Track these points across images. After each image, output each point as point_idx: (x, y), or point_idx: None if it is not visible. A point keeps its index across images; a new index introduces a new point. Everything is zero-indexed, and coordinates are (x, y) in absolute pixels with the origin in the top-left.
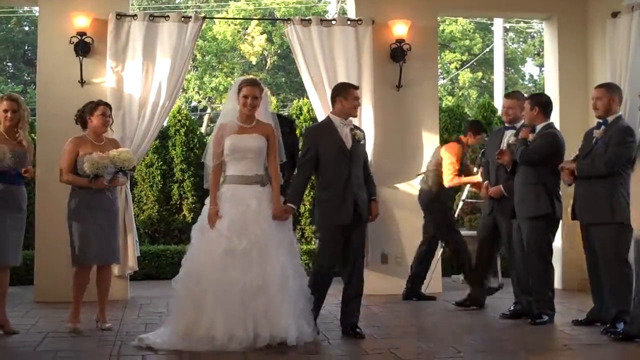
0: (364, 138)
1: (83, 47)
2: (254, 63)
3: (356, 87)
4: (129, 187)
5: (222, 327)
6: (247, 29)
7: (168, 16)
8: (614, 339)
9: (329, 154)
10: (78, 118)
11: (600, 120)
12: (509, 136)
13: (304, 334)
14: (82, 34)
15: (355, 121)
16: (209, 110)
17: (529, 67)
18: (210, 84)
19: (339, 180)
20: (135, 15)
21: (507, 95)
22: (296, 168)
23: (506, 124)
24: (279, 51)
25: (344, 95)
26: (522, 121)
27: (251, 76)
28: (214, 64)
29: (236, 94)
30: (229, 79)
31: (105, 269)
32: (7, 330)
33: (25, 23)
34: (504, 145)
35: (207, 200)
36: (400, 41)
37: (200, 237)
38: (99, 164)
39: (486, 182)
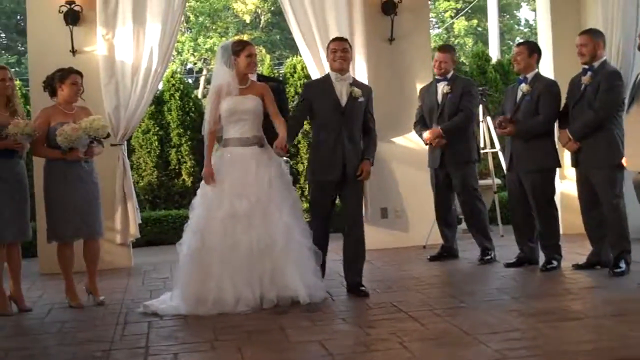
0: (365, 95)
1: (72, 16)
2: (247, 22)
3: (335, 39)
4: (126, 154)
5: (231, 290)
6: None
7: None
8: None
9: (322, 110)
10: (47, 86)
11: (586, 66)
12: (442, 87)
13: (317, 291)
14: (70, 2)
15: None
16: (204, 72)
17: (525, 12)
18: (204, 45)
19: (330, 137)
20: None
21: (441, 49)
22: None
23: (437, 77)
24: (272, 8)
25: (328, 50)
26: (452, 72)
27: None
28: (207, 25)
29: (231, 56)
30: (223, 38)
31: (90, 242)
32: (21, 307)
33: None
34: (439, 97)
35: None
36: None
37: (201, 202)
38: (72, 136)
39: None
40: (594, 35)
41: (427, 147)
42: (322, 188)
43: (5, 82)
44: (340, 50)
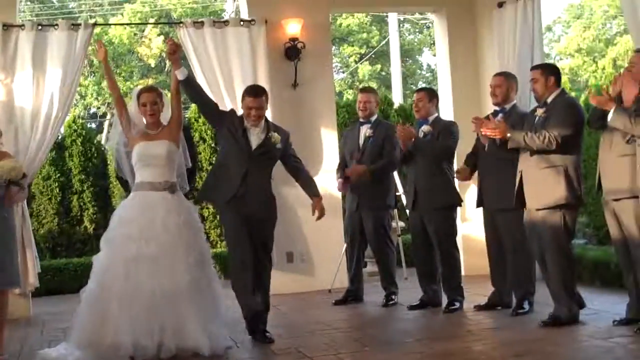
0: (282, 141)
1: None
2: (153, 65)
3: (251, 94)
4: (25, 201)
5: (128, 335)
6: (144, 31)
7: (57, 25)
8: (544, 325)
9: (230, 151)
10: None
11: (498, 108)
12: (364, 130)
13: (220, 342)
14: None
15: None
16: (108, 116)
17: (427, 58)
18: (109, 89)
19: (235, 176)
20: (23, 25)
21: (362, 90)
22: None
23: (361, 119)
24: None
25: (243, 102)
26: (376, 115)
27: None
28: (112, 68)
29: (136, 104)
30: (128, 82)
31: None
32: None
33: None
34: (361, 140)
35: (116, 210)
36: (294, 40)
37: (105, 246)
38: None
39: (339, 179)
40: (508, 78)
41: (340, 191)
42: (237, 223)
43: None
44: (255, 108)
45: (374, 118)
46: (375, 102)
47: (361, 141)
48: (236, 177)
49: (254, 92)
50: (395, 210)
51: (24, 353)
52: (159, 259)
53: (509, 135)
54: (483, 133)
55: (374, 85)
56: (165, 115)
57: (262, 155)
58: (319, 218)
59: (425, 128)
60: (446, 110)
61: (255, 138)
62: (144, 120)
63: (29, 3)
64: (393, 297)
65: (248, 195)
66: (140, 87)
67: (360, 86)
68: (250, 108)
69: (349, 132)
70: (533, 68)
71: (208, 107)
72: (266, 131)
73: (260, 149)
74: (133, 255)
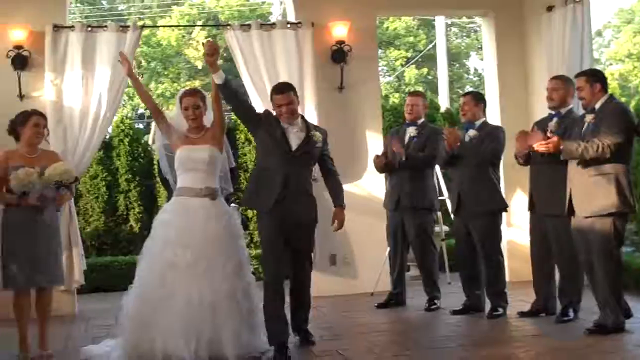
0: (323, 139)
1: (20, 61)
2: (200, 68)
3: (278, 92)
4: (72, 199)
5: (160, 343)
6: (191, 33)
7: (106, 26)
8: (590, 333)
9: (269, 151)
10: (11, 131)
11: (553, 112)
12: (410, 131)
13: (256, 348)
14: (19, 47)
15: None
16: None
17: (474, 61)
18: (156, 90)
19: (276, 179)
20: (73, 26)
21: (411, 93)
22: None
23: (407, 122)
24: (224, 54)
25: (272, 101)
26: (423, 119)
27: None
28: (159, 70)
29: (179, 106)
30: (175, 84)
31: (43, 292)
32: None
33: None
34: (406, 140)
35: (157, 214)
36: (340, 43)
37: (146, 251)
38: (24, 180)
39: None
40: (566, 82)
41: (383, 190)
42: (274, 233)
43: None
44: (285, 105)
45: (420, 121)
46: (423, 106)
47: (406, 140)
48: (277, 180)
49: (281, 89)
50: (440, 214)
51: (68, 349)
52: (196, 267)
53: (561, 147)
54: (537, 149)
55: (420, 89)
56: (209, 117)
57: (302, 155)
58: (337, 229)
59: (471, 132)
60: (493, 115)
61: (294, 137)
62: (187, 124)
63: (79, 5)
64: (436, 301)
65: (290, 197)
66: (183, 89)
67: (407, 90)
68: (280, 106)
69: (395, 132)
70: (577, 75)
71: (245, 110)
72: (305, 130)
73: (300, 149)
74: (170, 262)
